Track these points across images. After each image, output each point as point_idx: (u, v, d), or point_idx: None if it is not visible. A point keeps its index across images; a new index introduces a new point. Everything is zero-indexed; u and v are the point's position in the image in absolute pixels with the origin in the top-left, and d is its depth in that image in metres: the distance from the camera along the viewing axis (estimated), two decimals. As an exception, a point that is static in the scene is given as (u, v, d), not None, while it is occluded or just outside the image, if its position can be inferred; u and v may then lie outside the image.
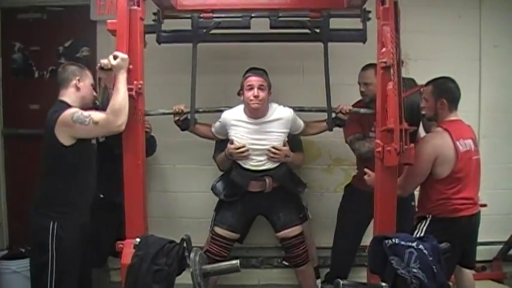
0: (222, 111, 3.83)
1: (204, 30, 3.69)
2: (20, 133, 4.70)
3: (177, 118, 3.69)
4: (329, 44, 3.70)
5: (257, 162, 3.70)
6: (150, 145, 3.94)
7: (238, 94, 3.86)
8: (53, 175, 3.12)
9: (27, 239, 3.32)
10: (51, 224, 3.04)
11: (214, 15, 3.68)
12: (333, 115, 3.70)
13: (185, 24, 3.74)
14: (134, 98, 2.93)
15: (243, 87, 3.66)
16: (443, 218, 3.21)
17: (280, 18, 3.69)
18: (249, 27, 3.73)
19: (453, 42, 4.59)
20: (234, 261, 2.62)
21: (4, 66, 4.86)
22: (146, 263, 2.63)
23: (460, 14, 4.62)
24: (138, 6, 2.96)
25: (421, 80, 3.58)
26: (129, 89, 2.88)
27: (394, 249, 2.57)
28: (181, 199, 4.70)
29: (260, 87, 3.58)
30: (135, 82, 2.88)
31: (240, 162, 3.72)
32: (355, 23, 3.74)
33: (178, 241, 2.74)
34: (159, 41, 3.72)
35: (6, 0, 4.80)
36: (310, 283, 3.97)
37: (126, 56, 2.85)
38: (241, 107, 3.75)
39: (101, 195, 3.75)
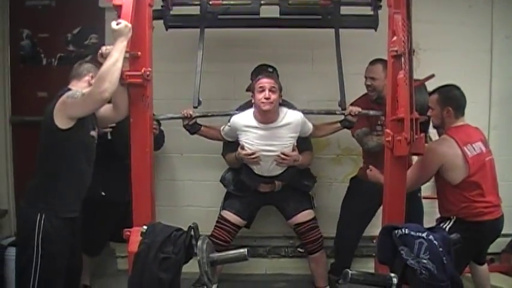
0: (230, 114, 3.83)
1: (212, 15, 3.70)
2: (28, 121, 4.68)
3: (185, 122, 3.70)
4: (339, 32, 3.67)
5: (267, 168, 3.75)
6: (158, 140, 3.92)
7: (247, 90, 3.85)
8: (45, 164, 3.03)
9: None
10: (39, 216, 2.93)
11: (224, 2, 3.67)
12: (342, 117, 3.70)
13: (194, 12, 3.74)
14: (142, 85, 2.91)
15: (253, 89, 3.65)
16: (469, 221, 3.24)
17: (289, 5, 3.67)
18: (258, 14, 3.71)
19: (464, 33, 4.55)
20: (241, 250, 2.59)
21: (12, 53, 4.86)
22: (153, 250, 2.61)
23: (470, 3, 4.58)
24: (147, -9, 2.93)
25: (431, 71, 3.54)
26: (137, 76, 2.85)
27: (404, 240, 2.54)
28: (188, 188, 4.69)
29: (271, 89, 3.57)
30: (143, 69, 2.85)
31: (251, 166, 3.76)
32: (365, 12, 3.72)
33: (185, 229, 2.72)
34: (166, 25, 3.71)
35: (15, -13, 4.79)
36: (322, 271, 3.98)
37: (130, 24, 2.70)
38: (250, 111, 3.74)
39: (103, 193, 3.75)
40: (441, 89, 3.44)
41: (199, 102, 3.56)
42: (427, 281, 2.45)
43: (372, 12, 3.68)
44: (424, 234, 2.55)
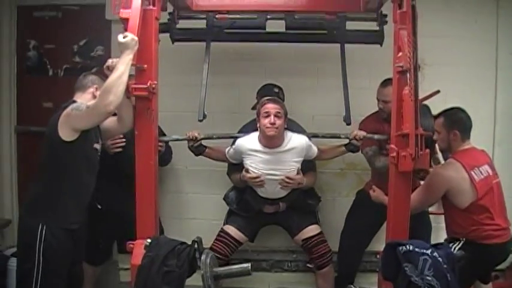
0: (236, 137, 3.83)
1: (219, 29, 3.72)
2: (33, 131, 4.68)
3: (190, 144, 3.69)
4: (345, 47, 3.68)
5: (272, 191, 3.75)
6: (165, 156, 3.94)
7: (253, 108, 3.87)
8: (47, 174, 3.04)
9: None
10: (40, 227, 2.93)
11: (230, 17, 3.68)
12: (347, 141, 3.69)
13: (200, 26, 3.76)
14: (148, 98, 2.91)
15: (259, 113, 3.65)
16: (478, 243, 3.21)
17: (295, 20, 3.68)
18: (264, 28, 3.72)
19: (469, 48, 4.53)
20: (245, 265, 2.60)
21: (19, 64, 4.87)
22: (156, 264, 2.62)
23: (476, 19, 4.56)
24: (154, 5, 2.95)
25: (435, 86, 3.56)
26: (143, 89, 2.86)
27: (408, 256, 2.55)
28: (193, 200, 4.68)
29: (277, 115, 3.57)
30: (149, 82, 2.86)
31: (255, 189, 3.77)
32: (371, 27, 3.73)
33: (189, 243, 2.72)
34: (172, 39, 3.73)
35: (22, -1, 4.82)
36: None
37: (136, 37, 2.71)
38: (255, 135, 3.74)
39: (99, 206, 3.72)
40: (447, 112, 3.44)
41: (205, 116, 3.55)
42: (431, 298, 2.45)
43: (377, 28, 3.69)
44: (428, 251, 2.55)
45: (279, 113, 3.58)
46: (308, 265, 4.18)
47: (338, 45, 3.72)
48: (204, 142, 3.72)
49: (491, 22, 4.58)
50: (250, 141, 3.73)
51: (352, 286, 2.44)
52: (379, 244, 3.81)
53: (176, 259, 2.64)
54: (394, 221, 2.97)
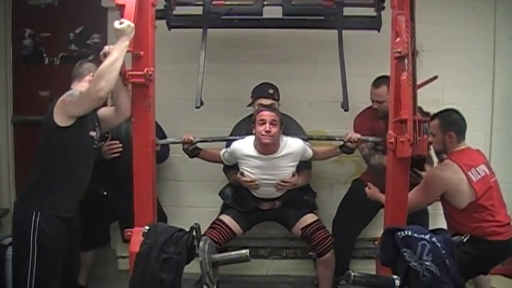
0: (231, 140, 3.85)
1: (215, 16, 3.70)
2: (30, 120, 4.66)
3: (185, 147, 3.71)
4: (342, 33, 3.66)
5: (267, 193, 3.80)
6: (163, 153, 3.95)
7: (249, 105, 3.93)
8: (42, 161, 3.03)
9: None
10: (34, 215, 2.92)
11: (226, 3, 3.67)
12: (341, 143, 3.70)
13: (196, 13, 3.74)
14: (145, 85, 2.90)
15: (255, 120, 3.66)
16: (483, 239, 3.21)
17: (292, 6, 3.66)
18: (261, 14, 3.70)
19: (467, 35, 4.52)
20: (243, 251, 2.59)
21: (14, 53, 4.84)
22: (155, 251, 2.61)
23: (474, 6, 4.55)
24: (150, -9, 2.93)
25: (433, 72, 3.55)
26: (140, 76, 2.84)
27: (407, 242, 2.54)
28: (191, 188, 4.67)
29: (272, 122, 3.59)
30: (146, 69, 2.84)
31: (250, 190, 3.81)
32: (368, 13, 3.72)
33: (187, 230, 2.72)
34: (169, 25, 3.71)
35: (18, -14, 4.79)
36: (329, 275, 3.92)
37: (132, 24, 2.69)
38: (251, 139, 3.75)
39: (105, 193, 3.81)
40: (441, 114, 3.44)
41: (202, 102, 3.54)
42: (429, 283, 2.46)
43: (375, 14, 3.67)
44: (427, 236, 2.55)
45: (275, 120, 3.60)
46: (310, 253, 4.19)
47: (335, 31, 3.69)
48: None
49: (489, 8, 4.57)
50: (245, 146, 3.75)
51: (350, 271, 2.42)
52: (377, 230, 3.82)
53: (174, 246, 2.63)
54: (392, 208, 2.98)
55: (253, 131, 3.68)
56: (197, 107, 3.55)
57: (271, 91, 3.96)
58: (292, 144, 3.74)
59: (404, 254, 2.53)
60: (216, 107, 4.19)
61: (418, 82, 2.91)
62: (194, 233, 2.65)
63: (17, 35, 4.82)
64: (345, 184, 4.46)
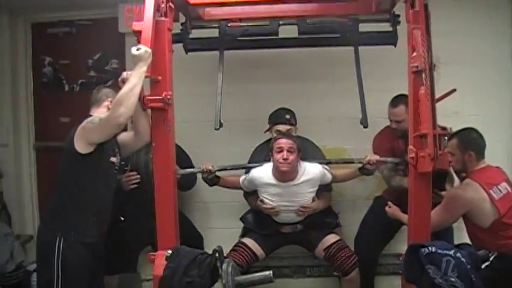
0: (250, 167, 3.87)
1: (231, 37, 3.72)
2: (51, 146, 4.72)
3: (205, 176, 3.73)
4: (359, 50, 3.66)
5: (287, 219, 3.81)
6: (189, 181, 4.02)
7: (266, 131, 3.98)
8: (63, 188, 3.07)
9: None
10: (57, 240, 2.95)
11: (242, 24, 3.69)
12: (360, 165, 3.71)
13: (213, 35, 3.77)
14: (164, 109, 2.92)
15: (272, 148, 3.67)
16: (511, 256, 3.12)
17: (308, 25, 3.67)
18: (277, 34, 3.72)
19: (485, 45, 4.48)
20: (267, 272, 2.59)
21: (35, 81, 4.94)
22: (178, 274, 2.62)
23: (490, 15, 4.51)
24: (166, 17, 2.95)
25: (452, 84, 3.51)
26: (158, 100, 2.86)
27: (431, 258, 2.52)
28: (212, 209, 4.67)
29: (289, 150, 3.59)
30: (164, 93, 2.86)
31: (271, 216, 3.81)
32: (384, 29, 3.71)
33: (210, 252, 2.72)
34: (186, 49, 3.74)
35: (36, 16, 4.88)
36: None
37: (149, 49, 2.71)
38: (269, 166, 3.76)
39: (122, 218, 3.80)
40: (459, 133, 3.41)
41: (221, 124, 3.55)
42: (456, 299, 2.42)
43: (390, 29, 3.67)
44: (451, 252, 2.53)
45: (292, 148, 3.60)
46: (334, 273, 4.15)
47: (352, 48, 3.70)
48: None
49: (506, 17, 4.53)
50: (264, 174, 3.76)
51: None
52: (401, 246, 3.78)
53: (197, 269, 2.64)
54: (415, 223, 2.95)
55: (271, 159, 3.69)
56: (216, 129, 3.56)
57: (288, 116, 3.96)
58: (310, 170, 3.73)
59: (428, 270, 2.50)
60: (235, 127, 4.21)
61: (437, 95, 2.89)
62: (217, 256, 2.64)
63: (37, 63, 4.91)
64: (367, 200, 4.42)
